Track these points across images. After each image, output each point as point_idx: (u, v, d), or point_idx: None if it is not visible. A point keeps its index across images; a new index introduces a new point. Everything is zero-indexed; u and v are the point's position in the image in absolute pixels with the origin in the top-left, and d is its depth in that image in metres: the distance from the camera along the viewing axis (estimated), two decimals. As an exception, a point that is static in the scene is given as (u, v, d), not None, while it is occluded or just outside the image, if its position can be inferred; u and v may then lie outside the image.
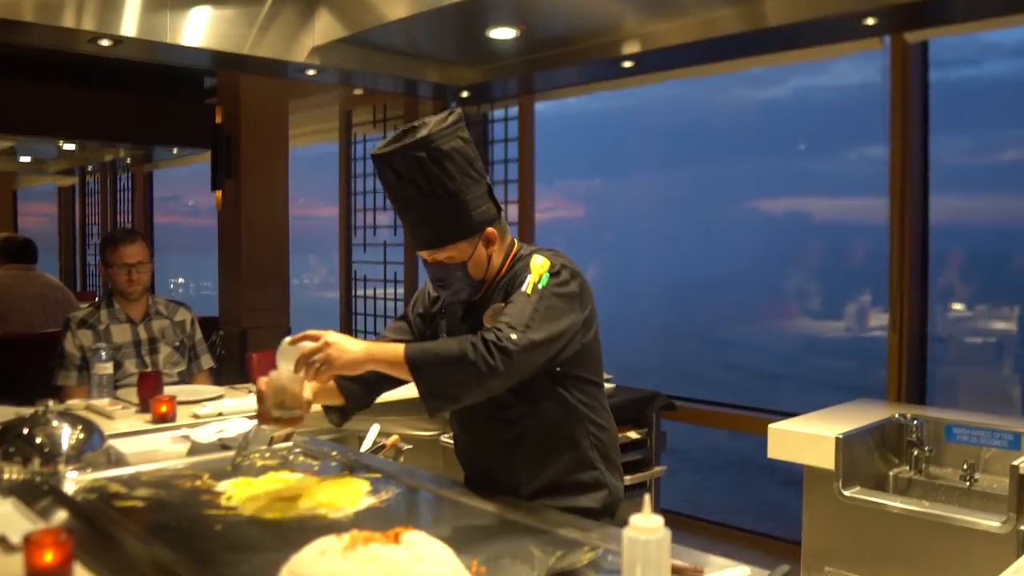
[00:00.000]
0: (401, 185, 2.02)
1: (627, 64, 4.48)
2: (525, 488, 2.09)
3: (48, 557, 1.49)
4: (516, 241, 2.21)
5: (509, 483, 2.11)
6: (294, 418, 2.02)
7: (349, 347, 1.93)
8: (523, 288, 1.98)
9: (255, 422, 2.69)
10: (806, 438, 3.02)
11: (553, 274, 2.01)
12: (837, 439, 2.93)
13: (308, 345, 1.93)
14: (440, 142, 1.99)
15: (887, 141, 3.90)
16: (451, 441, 3.59)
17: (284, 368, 1.97)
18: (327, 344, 1.91)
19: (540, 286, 1.98)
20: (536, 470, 2.09)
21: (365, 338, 6.33)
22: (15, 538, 1.64)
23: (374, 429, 2.92)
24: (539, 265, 2.03)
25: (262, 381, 2.04)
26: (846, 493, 2.93)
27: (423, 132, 2.00)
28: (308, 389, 2.02)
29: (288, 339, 1.98)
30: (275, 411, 2.01)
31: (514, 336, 1.88)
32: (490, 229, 2.09)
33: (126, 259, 3.52)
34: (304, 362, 1.93)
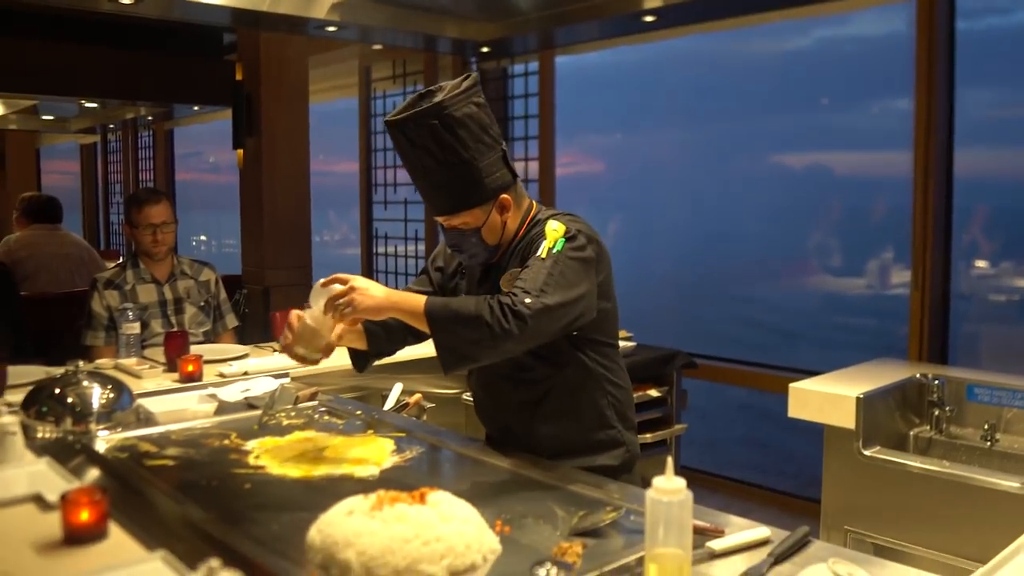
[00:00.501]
0: (415, 152, 2.02)
1: (648, 18, 4.43)
2: (545, 448, 2.12)
3: (84, 515, 1.53)
4: (535, 204, 2.21)
5: (529, 443, 2.14)
6: (314, 359, 2.10)
7: (373, 292, 1.97)
8: (538, 253, 2.00)
9: (281, 381, 2.74)
10: (827, 397, 3.03)
11: (568, 239, 2.02)
12: (858, 399, 2.94)
13: (337, 287, 2.00)
14: (453, 109, 1.99)
15: (912, 94, 3.85)
16: (470, 400, 3.63)
17: (315, 307, 2.03)
18: (353, 288, 1.96)
19: (555, 251, 1.99)
20: (556, 430, 2.12)
21: (387, 295, 6.39)
22: (51, 496, 1.68)
23: (397, 387, 2.96)
24: (554, 230, 2.03)
25: (295, 315, 2.10)
26: (866, 452, 2.94)
27: (437, 98, 1.99)
28: (333, 333, 2.06)
29: (321, 280, 2.04)
30: (299, 348, 2.08)
31: (528, 300, 1.90)
32: (504, 196, 2.09)
33: (151, 219, 3.54)
34: (331, 303, 1.98)
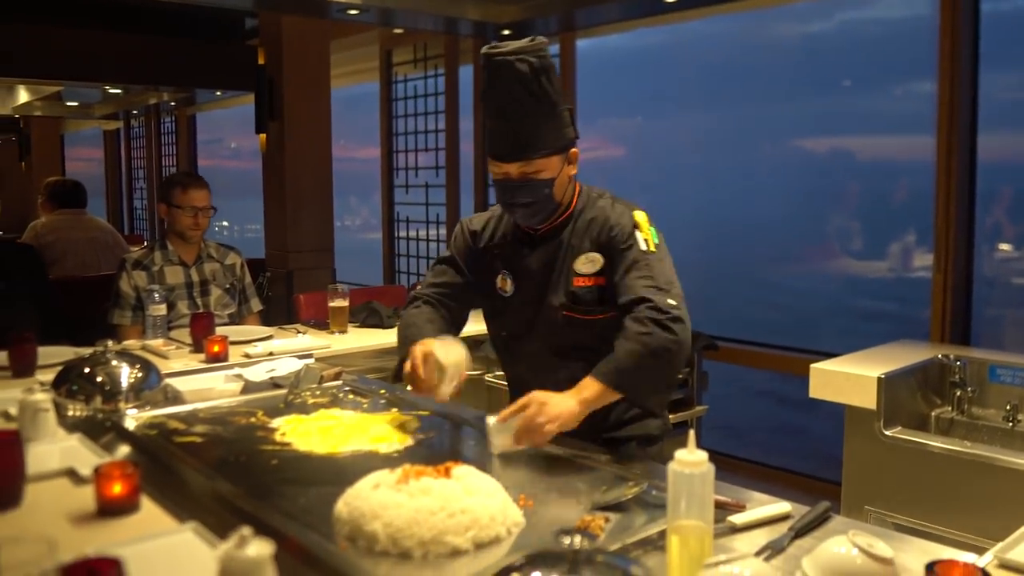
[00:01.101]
0: (512, 87, 2.04)
1: None
2: (598, 426, 2.09)
3: (117, 488, 1.56)
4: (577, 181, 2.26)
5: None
6: (442, 396, 2.05)
7: (564, 401, 1.91)
8: (641, 246, 2.05)
9: (305, 361, 2.78)
10: (848, 378, 3.03)
11: (652, 226, 2.11)
12: (879, 379, 2.94)
13: (517, 418, 1.91)
14: (546, 55, 2.07)
15: (935, 76, 3.82)
16: (496, 380, 3.66)
17: (498, 445, 1.93)
18: (544, 404, 1.89)
19: (657, 241, 2.08)
20: (608, 407, 2.07)
21: (408, 280, 6.43)
22: (84, 470, 1.72)
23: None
24: (643, 219, 2.10)
25: (422, 354, 2.04)
26: (887, 433, 2.95)
27: (537, 41, 2.06)
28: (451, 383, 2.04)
29: (493, 419, 1.95)
30: (426, 387, 2.03)
31: (671, 300, 1.96)
32: (574, 149, 2.17)
33: (194, 202, 3.58)
34: (525, 432, 1.89)
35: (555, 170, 2.11)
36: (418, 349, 2.05)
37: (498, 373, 3.54)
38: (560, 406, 1.89)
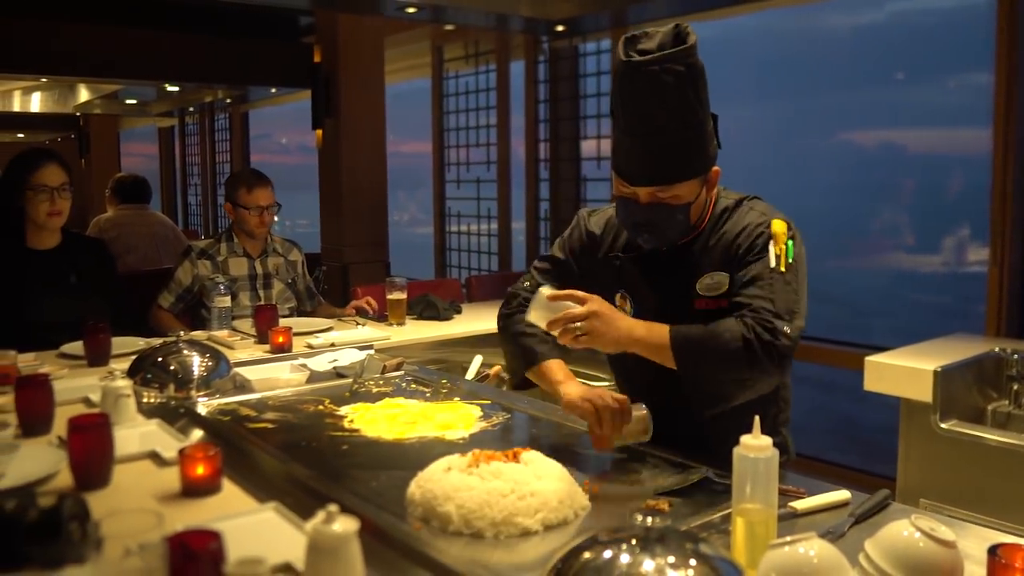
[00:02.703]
0: (651, 102, 1.74)
1: (722, -5, 4.43)
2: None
3: (200, 469, 1.64)
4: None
5: (692, 442, 1.91)
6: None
7: (617, 323, 1.77)
8: (771, 262, 1.80)
9: (367, 352, 2.85)
10: (903, 371, 3.03)
11: (791, 238, 1.84)
12: (935, 372, 2.94)
13: (570, 305, 1.79)
14: (696, 60, 1.74)
15: (991, 67, 3.79)
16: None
17: (535, 317, 1.83)
18: (594, 314, 1.75)
19: (789, 259, 1.80)
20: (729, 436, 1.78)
21: (459, 274, 6.49)
22: (167, 453, 1.80)
23: (477, 360, 3.06)
24: (782, 232, 1.83)
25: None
26: (943, 426, 2.95)
27: (689, 42, 1.73)
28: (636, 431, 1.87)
29: (548, 292, 1.82)
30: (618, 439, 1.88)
31: (787, 329, 1.73)
32: (716, 168, 1.87)
33: (260, 201, 3.67)
34: (562, 324, 1.77)
35: (692, 194, 1.84)
36: (605, 399, 1.85)
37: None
38: (611, 328, 1.75)
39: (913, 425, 3.05)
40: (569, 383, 1.95)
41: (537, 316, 1.82)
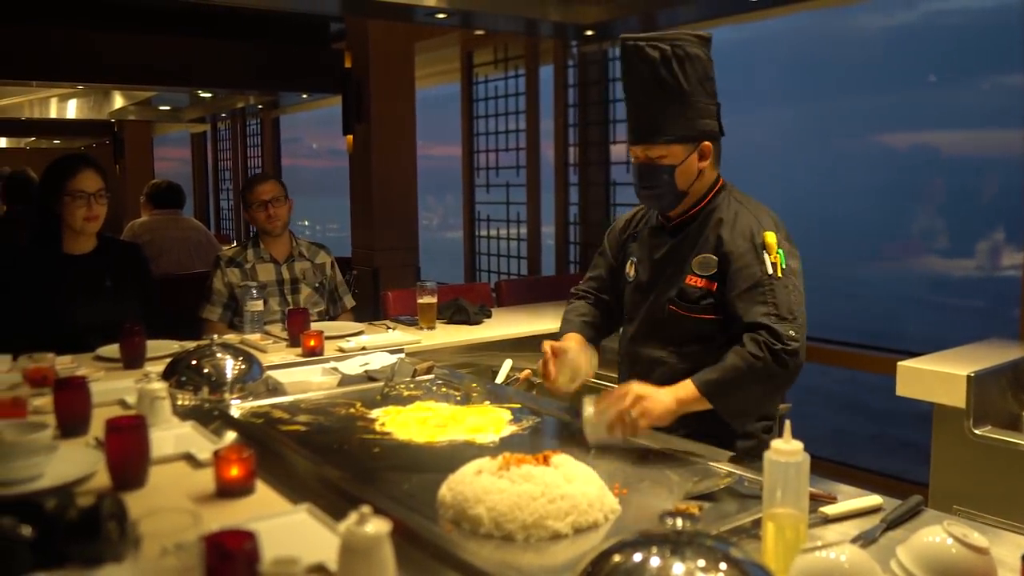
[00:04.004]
0: (640, 69, 2.11)
1: (752, -2, 4.41)
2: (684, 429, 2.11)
3: (235, 471, 1.67)
4: (723, 180, 2.27)
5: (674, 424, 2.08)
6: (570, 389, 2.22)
7: (659, 396, 1.97)
8: (767, 269, 2.04)
9: (398, 356, 2.87)
10: (936, 376, 3.01)
11: (783, 248, 2.09)
12: (968, 377, 2.91)
13: (614, 407, 1.96)
14: (687, 45, 2.10)
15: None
16: (596, 382, 3.70)
17: (592, 435, 1.98)
18: (637, 397, 1.94)
19: (783, 266, 2.06)
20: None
21: (489, 278, 6.51)
22: (201, 455, 1.83)
23: (507, 364, 3.06)
24: (772, 240, 2.08)
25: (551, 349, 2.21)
26: (977, 432, 2.92)
27: (673, 32, 2.13)
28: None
29: (589, 410, 1.99)
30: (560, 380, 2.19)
31: (792, 333, 1.98)
32: (707, 143, 2.16)
33: (261, 196, 3.72)
34: (618, 423, 1.94)
35: (678, 158, 2.13)
36: (548, 345, 2.21)
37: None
38: (655, 402, 1.95)
39: (946, 430, 3.02)
40: (567, 341, 2.27)
41: (593, 433, 1.98)
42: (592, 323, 2.42)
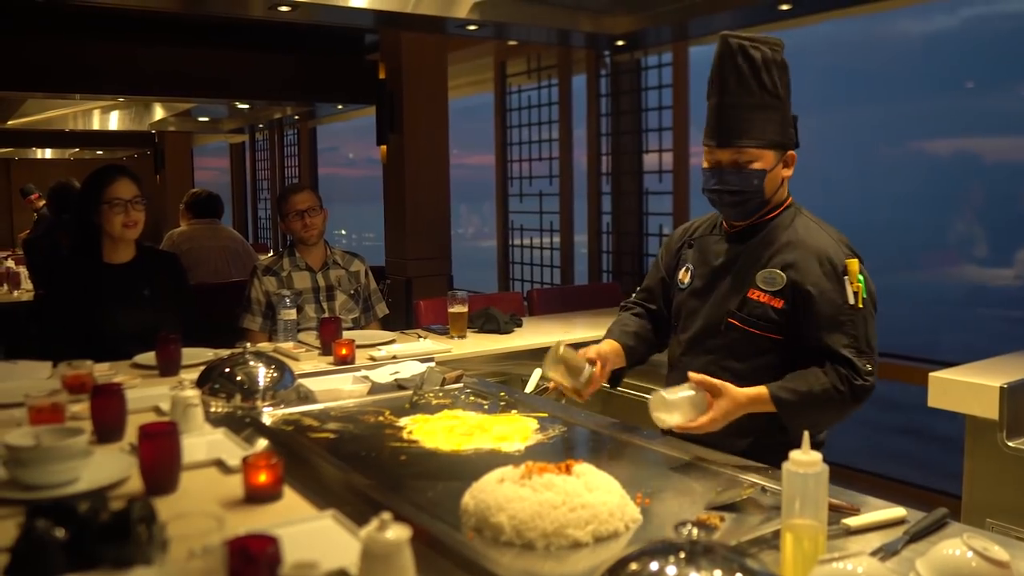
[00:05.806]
0: (742, 70, 2.07)
1: (784, 6, 4.40)
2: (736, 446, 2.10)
3: (263, 477, 1.70)
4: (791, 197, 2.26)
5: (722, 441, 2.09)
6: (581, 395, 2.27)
7: (737, 408, 2.00)
8: (849, 299, 2.03)
9: (428, 364, 2.90)
10: (969, 387, 2.97)
11: (861, 273, 2.07)
12: (1002, 388, 2.87)
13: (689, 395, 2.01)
14: (781, 51, 2.10)
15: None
16: (610, 386, 3.71)
17: (667, 419, 2.01)
18: (730, 411, 1.99)
19: (865, 296, 2.05)
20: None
21: (522, 287, 6.54)
22: (231, 461, 1.87)
23: (536, 373, 3.07)
24: (855, 267, 2.06)
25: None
26: (1011, 444, 2.88)
27: (766, 36, 2.10)
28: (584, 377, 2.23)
29: (665, 394, 2.02)
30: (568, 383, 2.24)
31: (869, 367, 2.00)
32: (792, 152, 2.16)
33: (297, 206, 3.78)
34: (699, 407, 1.99)
35: (769, 164, 2.10)
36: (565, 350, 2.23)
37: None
38: (733, 409, 1.99)
39: (979, 442, 2.99)
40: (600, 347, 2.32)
41: (667, 419, 2.01)
42: (634, 332, 2.41)
